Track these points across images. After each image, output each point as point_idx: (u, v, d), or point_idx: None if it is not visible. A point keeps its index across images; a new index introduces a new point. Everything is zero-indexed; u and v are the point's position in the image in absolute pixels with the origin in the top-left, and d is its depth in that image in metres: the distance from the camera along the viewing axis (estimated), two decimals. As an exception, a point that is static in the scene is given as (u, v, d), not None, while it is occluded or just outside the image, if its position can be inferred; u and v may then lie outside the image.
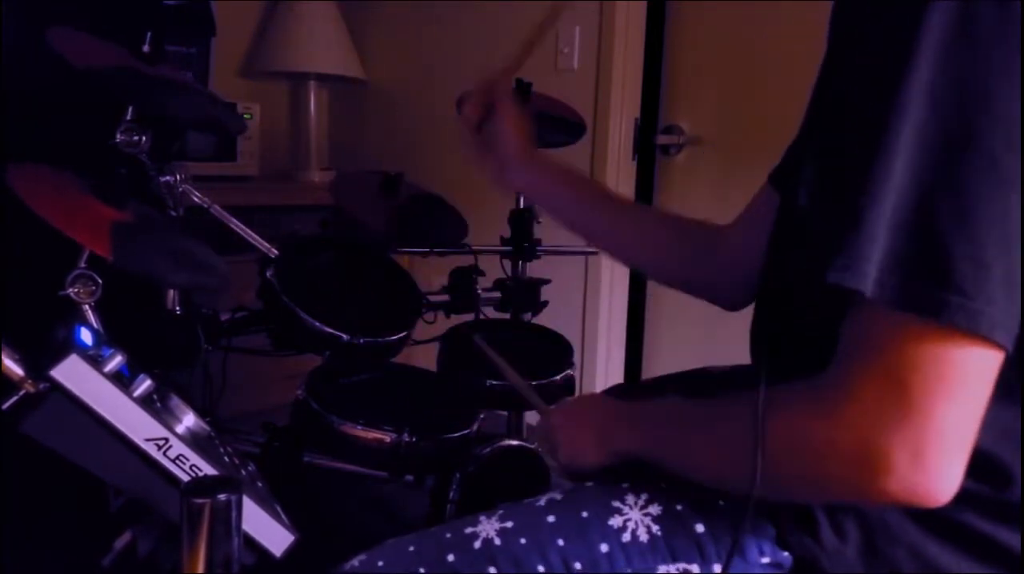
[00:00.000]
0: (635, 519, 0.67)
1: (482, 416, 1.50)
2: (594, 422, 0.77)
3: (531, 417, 1.90)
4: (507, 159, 0.99)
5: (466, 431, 1.43)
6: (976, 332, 0.48)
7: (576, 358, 1.73)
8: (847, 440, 0.52)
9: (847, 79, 0.54)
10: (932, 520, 0.60)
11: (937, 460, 0.50)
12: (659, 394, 0.99)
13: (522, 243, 1.78)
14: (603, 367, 2.30)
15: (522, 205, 1.77)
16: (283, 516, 0.92)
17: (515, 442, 1.50)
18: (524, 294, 1.77)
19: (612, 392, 1.05)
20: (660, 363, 2.33)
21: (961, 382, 0.50)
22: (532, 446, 1.53)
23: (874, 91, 0.51)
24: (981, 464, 0.58)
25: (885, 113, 0.50)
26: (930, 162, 0.49)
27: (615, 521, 0.67)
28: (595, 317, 2.27)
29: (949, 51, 0.49)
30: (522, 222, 1.77)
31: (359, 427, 1.35)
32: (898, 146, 0.49)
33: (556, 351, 1.70)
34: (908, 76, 0.49)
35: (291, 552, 0.90)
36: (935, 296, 0.48)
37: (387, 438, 1.35)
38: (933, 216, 0.49)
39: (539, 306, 1.80)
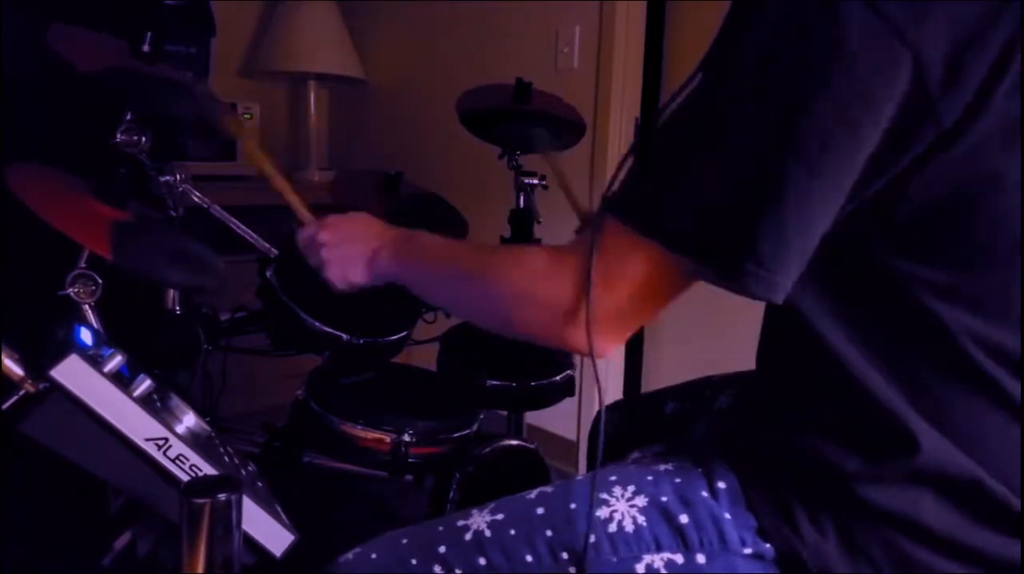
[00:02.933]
0: (622, 510, 0.68)
1: (482, 416, 1.50)
2: (363, 246, 0.86)
3: (531, 418, 1.90)
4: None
5: (466, 431, 1.43)
6: (769, 298, 0.57)
7: (576, 358, 1.73)
8: (562, 295, 0.64)
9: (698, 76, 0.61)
10: (902, 521, 0.61)
11: (611, 328, 0.63)
12: (659, 407, 1.00)
13: (522, 243, 1.78)
14: (603, 367, 2.29)
15: (522, 205, 1.77)
16: (283, 516, 0.93)
17: (515, 442, 1.50)
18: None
19: (612, 409, 1.06)
20: (660, 362, 2.33)
21: (658, 296, 0.63)
22: (532, 446, 1.53)
23: (705, 86, 0.59)
24: (963, 484, 0.60)
25: (710, 105, 0.58)
26: (748, 151, 0.55)
27: (602, 512, 0.68)
28: (595, 317, 2.26)
29: (771, 56, 0.54)
30: (522, 222, 1.77)
31: (359, 427, 1.35)
32: (716, 133, 0.57)
33: (556, 351, 1.70)
34: (734, 74, 0.56)
35: (291, 552, 0.90)
36: (739, 264, 0.56)
37: (387, 438, 1.35)
38: (747, 194, 0.56)
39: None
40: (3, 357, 0.80)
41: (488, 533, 0.69)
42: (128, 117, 1.30)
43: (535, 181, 1.73)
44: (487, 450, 1.44)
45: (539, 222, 1.77)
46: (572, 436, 2.24)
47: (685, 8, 2.15)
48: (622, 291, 0.62)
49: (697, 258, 0.58)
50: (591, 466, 0.77)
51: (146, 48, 1.34)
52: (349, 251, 0.87)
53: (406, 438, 1.34)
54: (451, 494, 1.39)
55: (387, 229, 0.88)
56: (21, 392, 0.81)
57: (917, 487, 0.61)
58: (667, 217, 0.59)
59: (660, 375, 2.30)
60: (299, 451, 1.48)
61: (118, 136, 1.29)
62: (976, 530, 0.61)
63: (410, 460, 1.37)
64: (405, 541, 0.71)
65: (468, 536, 0.69)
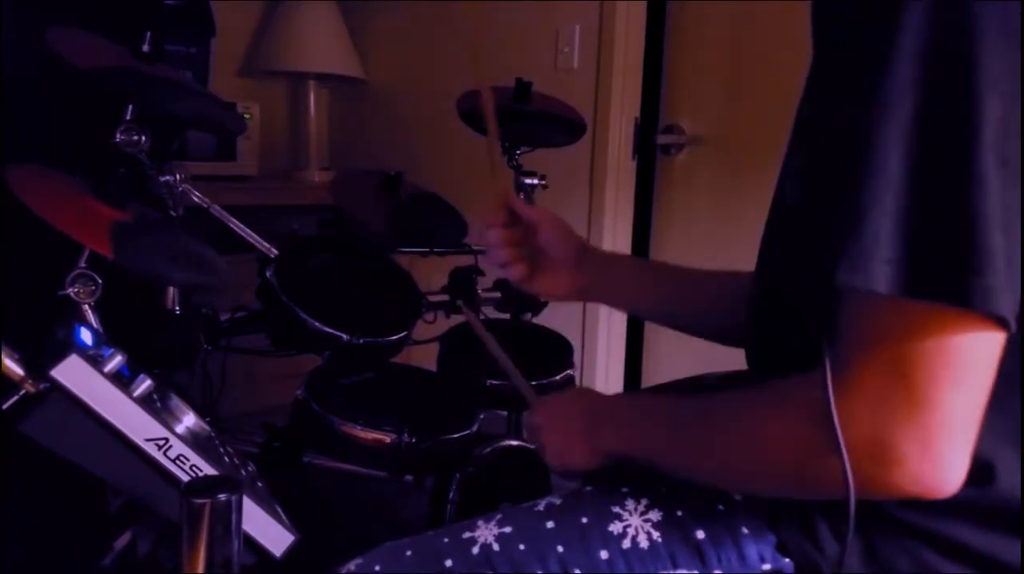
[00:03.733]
0: (635, 525, 0.66)
1: (482, 416, 1.50)
2: (580, 424, 0.76)
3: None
4: (556, 267, 0.93)
5: (466, 431, 1.43)
6: (997, 313, 0.48)
7: (576, 358, 1.73)
8: (854, 436, 0.51)
9: (831, 79, 0.55)
10: (935, 537, 0.60)
11: (944, 449, 0.50)
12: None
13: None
14: (603, 367, 2.30)
15: (522, 205, 1.76)
16: (283, 516, 0.92)
17: (515, 442, 1.50)
18: (524, 294, 1.77)
19: None
20: (660, 362, 2.33)
21: (966, 369, 0.50)
22: (532, 446, 1.53)
23: (857, 91, 0.51)
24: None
25: (869, 114, 0.50)
26: (929, 157, 0.49)
27: (615, 527, 0.67)
28: (595, 317, 2.27)
29: (931, 46, 0.49)
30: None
31: (359, 427, 1.35)
32: (889, 145, 0.49)
33: (556, 351, 1.70)
34: (890, 74, 0.49)
35: (291, 552, 0.90)
36: (962, 281, 0.48)
37: (387, 438, 1.35)
38: (941, 208, 0.48)
39: (539, 306, 1.80)
40: (3, 357, 0.80)
41: (496, 547, 0.67)
42: (128, 117, 1.30)
43: (535, 181, 1.73)
44: (487, 450, 1.44)
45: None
46: (572, 436, 2.23)
47: (685, 8, 2.15)
48: (929, 386, 0.49)
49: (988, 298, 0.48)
50: (587, 482, 0.76)
51: (146, 48, 1.34)
52: (565, 436, 0.77)
53: (406, 438, 1.34)
54: (451, 494, 1.39)
55: (606, 405, 0.77)
56: (21, 392, 0.81)
57: (960, 512, 0.58)
58: (911, 259, 0.48)
59: (660, 377, 2.30)
60: (299, 451, 1.47)
61: (118, 136, 1.29)
62: (1016, 547, 0.59)
63: (410, 460, 1.37)
64: (409, 553, 0.69)
65: (475, 550, 0.68)
